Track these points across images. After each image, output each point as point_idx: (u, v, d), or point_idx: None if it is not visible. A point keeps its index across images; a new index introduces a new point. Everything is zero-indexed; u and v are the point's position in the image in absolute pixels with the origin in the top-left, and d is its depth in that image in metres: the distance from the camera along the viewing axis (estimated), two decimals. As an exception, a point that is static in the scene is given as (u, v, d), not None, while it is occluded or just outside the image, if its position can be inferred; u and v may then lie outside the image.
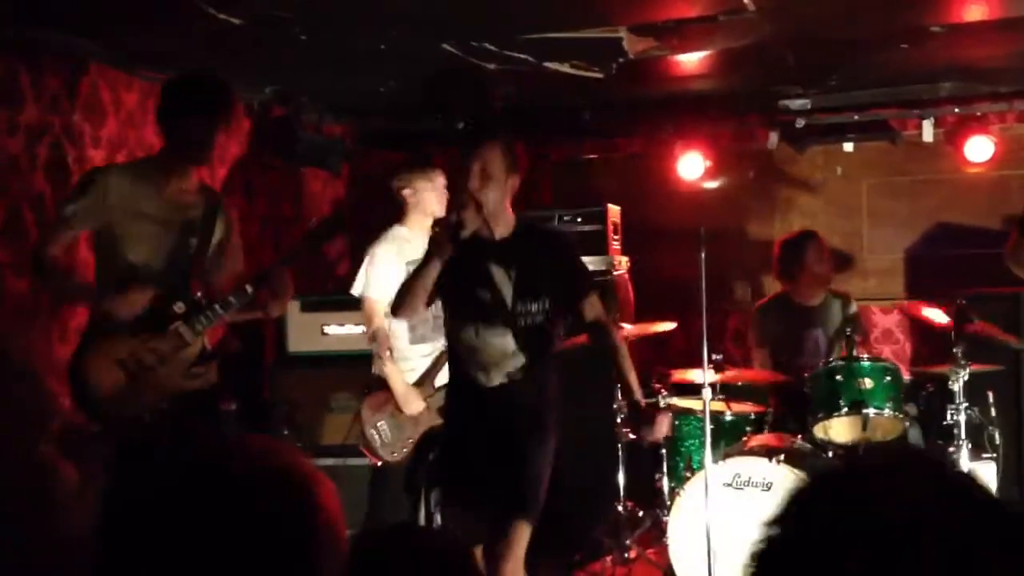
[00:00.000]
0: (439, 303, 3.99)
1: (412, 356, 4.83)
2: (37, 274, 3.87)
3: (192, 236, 3.79)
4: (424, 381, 4.80)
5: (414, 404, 4.71)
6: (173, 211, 3.76)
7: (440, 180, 4.85)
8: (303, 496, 1.24)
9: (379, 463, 4.83)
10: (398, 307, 3.89)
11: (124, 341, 3.61)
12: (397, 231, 4.84)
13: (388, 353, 4.69)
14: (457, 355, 3.92)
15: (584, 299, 3.90)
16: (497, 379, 3.81)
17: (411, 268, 4.50)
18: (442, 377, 4.61)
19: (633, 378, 3.84)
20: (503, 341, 3.78)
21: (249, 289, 3.73)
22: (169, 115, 3.76)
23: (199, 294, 3.79)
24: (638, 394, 3.83)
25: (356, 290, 4.82)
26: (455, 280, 3.81)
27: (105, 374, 3.60)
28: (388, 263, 4.71)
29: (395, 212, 4.91)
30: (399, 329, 4.76)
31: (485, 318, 3.79)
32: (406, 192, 4.82)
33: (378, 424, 4.75)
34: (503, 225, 3.83)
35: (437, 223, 4.06)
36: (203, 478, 1.23)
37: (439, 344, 4.62)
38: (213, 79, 3.86)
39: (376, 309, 4.72)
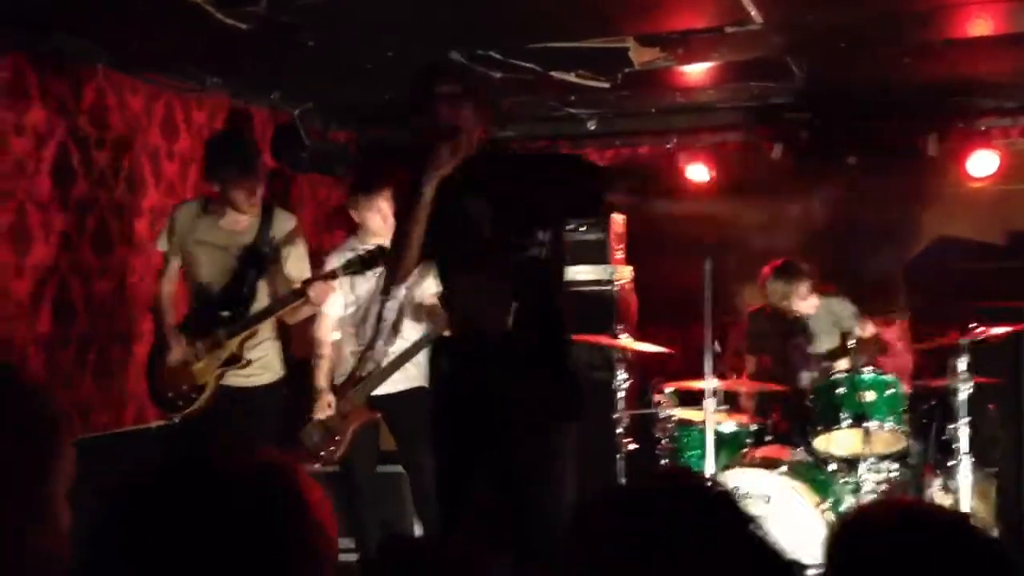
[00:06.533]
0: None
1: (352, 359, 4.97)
2: (155, 312, 4.62)
3: (250, 256, 4.45)
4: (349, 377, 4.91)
5: (324, 405, 4.81)
6: (230, 237, 4.46)
7: (381, 203, 4.91)
8: (293, 497, 1.25)
9: (316, 466, 4.91)
10: (400, 270, 3.28)
11: (180, 341, 4.42)
12: (350, 242, 4.96)
13: (319, 361, 4.89)
14: (452, 311, 3.40)
15: None
16: (488, 333, 3.19)
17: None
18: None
19: None
20: (489, 285, 3.18)
21: (283, 300, 4.39)
22: (213, 177, 4.41)
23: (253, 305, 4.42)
24: None
25: None
26: (431, 231, 3.16)
27: (159, 365, 4.46)
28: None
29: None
30: (346, 335, 4.92)
31: (466, 260, 3.20)
32: (352, 212, 4.99)
33: (303, 431, 4.87)
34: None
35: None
36: (188, 475, 1.25)
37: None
38: (248, 149, 4.49)
39: (320, 319, 4.89)
